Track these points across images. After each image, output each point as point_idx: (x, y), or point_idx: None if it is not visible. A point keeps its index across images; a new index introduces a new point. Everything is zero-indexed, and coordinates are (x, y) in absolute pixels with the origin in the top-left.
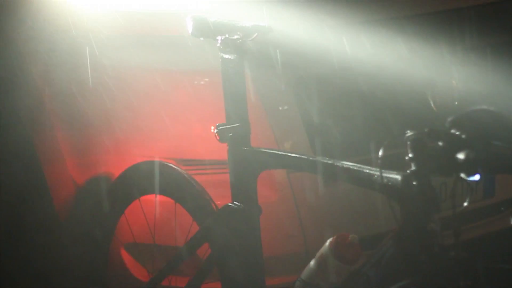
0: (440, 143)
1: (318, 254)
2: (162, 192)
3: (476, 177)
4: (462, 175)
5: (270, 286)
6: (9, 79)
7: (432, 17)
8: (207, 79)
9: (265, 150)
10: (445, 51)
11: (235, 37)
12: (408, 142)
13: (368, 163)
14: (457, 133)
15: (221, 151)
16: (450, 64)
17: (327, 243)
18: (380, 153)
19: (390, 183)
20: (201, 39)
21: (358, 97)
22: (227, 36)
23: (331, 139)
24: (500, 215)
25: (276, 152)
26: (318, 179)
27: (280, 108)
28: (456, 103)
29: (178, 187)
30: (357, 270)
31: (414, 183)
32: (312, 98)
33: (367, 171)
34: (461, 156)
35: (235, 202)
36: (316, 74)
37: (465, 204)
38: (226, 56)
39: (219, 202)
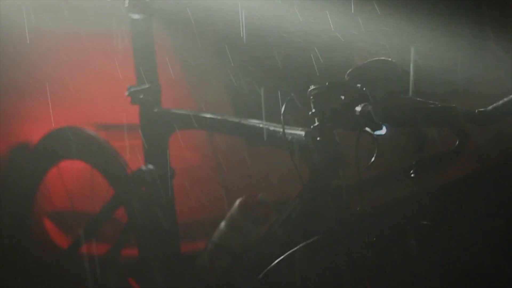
0: (342, 97)
1: (228, 215)
2: (78, 158)
3: (382, 131)
4: (367, 128)
5: (190, 251)
6: None
7: None
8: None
9: (174, 111)
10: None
11: None
12: (311, 97)
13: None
14: (357, 85)
15: None
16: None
17: (237, 203)
18: (283, 109)
19: (294, 139)
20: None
21: (281, 57)
22: None
23: (253, 100)
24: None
25: (185, 112)
26: (240, 140)
27: (200, 70)
28: None
29: (94, 153)
30: (267, 230)
31: (318, 138)
32: (231, 58)
33: (273, 128)
34: (361, 108)
35: (148, 165)
36: (235, 34)
37: (372, 159)
38: (134, 16)
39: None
